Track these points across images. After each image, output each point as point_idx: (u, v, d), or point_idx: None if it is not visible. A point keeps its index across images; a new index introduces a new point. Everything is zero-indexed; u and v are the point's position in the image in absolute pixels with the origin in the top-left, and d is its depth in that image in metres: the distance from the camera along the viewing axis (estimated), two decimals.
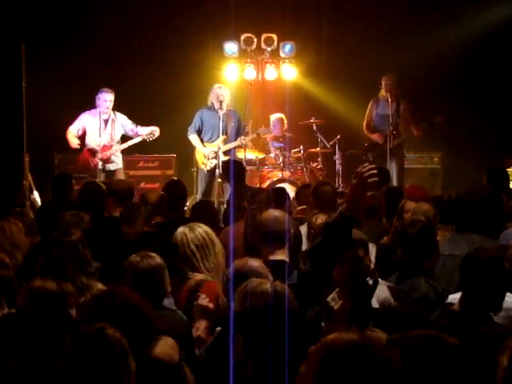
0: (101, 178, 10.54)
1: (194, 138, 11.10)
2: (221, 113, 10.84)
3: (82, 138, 10.88)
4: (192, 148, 11.27)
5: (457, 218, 5.68)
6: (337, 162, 11.88)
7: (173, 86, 12.51)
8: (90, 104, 11.14)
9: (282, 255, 5.00)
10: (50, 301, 3.76)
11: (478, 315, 4.04)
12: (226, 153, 10.93)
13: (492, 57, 12.66)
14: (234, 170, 8.64)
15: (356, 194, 4.18)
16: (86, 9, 12.56)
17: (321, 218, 5.77)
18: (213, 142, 10.99)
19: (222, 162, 10.46)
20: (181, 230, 5.20)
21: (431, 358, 2.58)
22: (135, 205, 7.01)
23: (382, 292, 4.32)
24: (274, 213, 5.28)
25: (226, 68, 12.75)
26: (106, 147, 10.86)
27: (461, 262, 4.37)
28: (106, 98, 10.82)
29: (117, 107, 11.20)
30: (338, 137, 11.88)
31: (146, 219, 6.53)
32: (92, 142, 10.86)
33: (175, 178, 11.10)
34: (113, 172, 10.90)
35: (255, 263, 4.40)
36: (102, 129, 10.84)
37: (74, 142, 10.78)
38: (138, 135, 10.95)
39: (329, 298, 4.34)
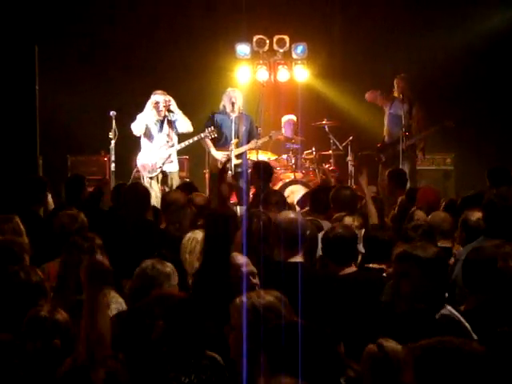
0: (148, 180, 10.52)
1: (206, 142, 11.06)
2: (233, 116, 10.83)
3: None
4: (204, 150, 11.27)
5: (486, 222, 5.38)
6: (349, 163, 11.87)
7: (185, 88, 12.50)
8: (102, 105, 11.16)
9: (299, 257, 5.01)
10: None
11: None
12: (238, 156, 10.90)
13: (504, 57, 12.63)
14: (263, 171, 8.59)
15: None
16: (99, 11, 12.61)
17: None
18: (225, 145, 10.95)
19: (235, 165, 10.48)
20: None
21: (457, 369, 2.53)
22: (181, 207, 6.98)
23: None
24: (290, 214, 5.29)
25: (238, 70, 12.76)
26: (162, 148, 10.74)
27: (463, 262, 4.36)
28: (158, 100, 10.66)
29: (127, 110, 11.19)
30: (351, 138, 11.87)
31: (192, 221, 6.55)
32: (150, 142, 10.71)
33: (188, 180, 11.11)
34: (168, 173, 10.71)
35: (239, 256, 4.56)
36: (158, 129, 10.72)
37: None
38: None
39: None
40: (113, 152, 10.80)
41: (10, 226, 6.12)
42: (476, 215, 5.60)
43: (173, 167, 10.78)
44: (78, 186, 8.21)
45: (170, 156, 10.68)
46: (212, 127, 10.80)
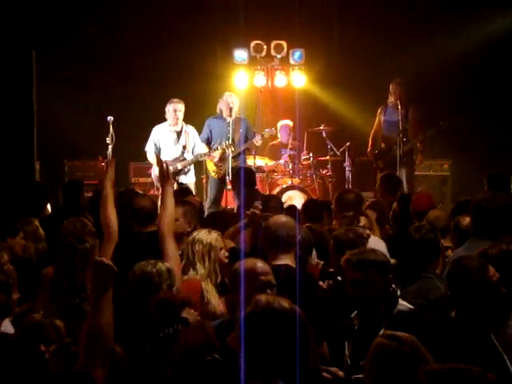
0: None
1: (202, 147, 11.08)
2: (229, 120, 10.84)
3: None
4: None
5: (474, 224, 5.59)
6: (346, 169, 11.86)
7: (183, 93, 12.48)
8: (99, 110, 11.16)
9: (287, 260, 5.00)
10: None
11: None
12: (234, 159, 10.90)
13: (501, 63, 12.64)
14: (244, 176, 8.66)
15: None
16: (96, 16, 12.60)
17: None
18: (220, 148, 10.95)
19: (232, 168, 10.47)
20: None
21: None
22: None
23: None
24: (281, 218, 5.30)
25: (235, 75, 12.77)
26: (177, 159, 10.75)
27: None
28: (177, 108, 10.75)
29: (125, 116, 11.21)
30: (348, 144, 11.87)
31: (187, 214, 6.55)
32: (165, 155, 10.72)
33: (185, 186, 11.10)
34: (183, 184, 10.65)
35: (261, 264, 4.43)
36: (175, 140, 10.77)
37: (151, 161, 10.74)
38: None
39: (353, 315, 4.38)
40: (110, 157, 10.81)
41: (30, 228, 6.16)
42: (467, 220, 5.80)
43: (188, 178, 10.82)
44: (76, 191, 8.22)
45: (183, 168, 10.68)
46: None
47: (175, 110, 10.74)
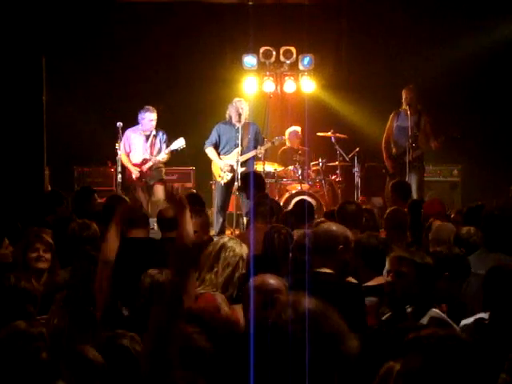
0: (139, 192, 10.67)
1: (210, 150, 11.08)
2: (238, 125, 10.83)
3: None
4: (211, 161, 11.27)
5: (486, 235, 5.49)
6: (356, 174, 11.84)
7: (192, 99, 12.55)
8: (108, 116, 11.19)
9: (328, 268, 5.00)
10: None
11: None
12: (243, 164, 10.89)
13: None
14: (253, 181, 8.65)
15: None
16: (107, 23, 12.63)
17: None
18: (229, 154, 10.96)
19: (241, 173, 10.46)
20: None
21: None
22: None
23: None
24: (329, 225, 5.32)
25: (244, 81, 12.78)
26: (145, 161, 10.96)
27: (484, 279, 4.32)
28: (152, 118, 10.95)
29: (134, 121, 11.23)
30: (357, 149, 11.84)
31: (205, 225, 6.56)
32: (136, 158, 10.98)
33: (194, 191, 11.11)
34: (152, 186, 10.97)
35: (274, 280, 4.38)
36: (144, 144, 10.99)
37: (126, 164, 10.95)
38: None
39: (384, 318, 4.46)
40: (119, 163, 10.85)
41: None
42: (465, 228, 5.78)
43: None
44: (87, 198, 8.24)
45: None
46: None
47: (151, 119, 10.95)
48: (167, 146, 11.00)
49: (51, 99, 9.52)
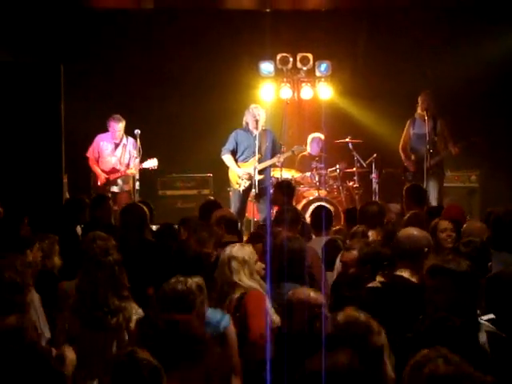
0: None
1: (227, 158, 11.09)
2: (256, 132, 10.84)
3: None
4: (228, 167, 11.28)
5: (494, 237, 5.72)
6: (373, 180, 11.81)
7: (209, 106, 12.56)
8: (127, 124, 11.24)
9: (415, 271, 5.06)
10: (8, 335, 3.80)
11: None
12: (261, 172, 10.91)
13: None
14: (286, 189, 8.71)
15: None
16: (123, 31, 12.68)
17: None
18: (247, 161, 10.99)
19: (259, 181, 10.49)
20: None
21: None
22: (207, 225, 6.98)
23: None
24: (411, 231, 5.39)
25: (262, 87, 12.80)
26: (114, 170, 11.12)
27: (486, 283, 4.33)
28: (116, 128, 11.17)
29: (151, 128, 11.29)
30: (375, 155, 11.82)
31: (218, 240, 6.59)
32: (104, 164, 11.23)
33: (211, 198, 11.13)
34: (116, 194, 11.13)
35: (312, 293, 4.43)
36: (112, 152, 11.18)
37: (94, 168, 11.26)
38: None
39: None
40: (137, 170, 10.91)
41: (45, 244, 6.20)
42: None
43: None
44: (101, 206, 8.29)
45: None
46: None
47: (116, 129, 11.15)
48: (139, 152, 11.02)
49: (69, 107, 9.56)
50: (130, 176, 11.22)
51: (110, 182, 11.19)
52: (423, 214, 7.47)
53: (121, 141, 11.17)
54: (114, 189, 11.21)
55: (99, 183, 11.19)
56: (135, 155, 11.09)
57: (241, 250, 5.37)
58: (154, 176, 11.97)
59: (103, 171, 11.20)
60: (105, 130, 11.30)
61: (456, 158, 11.49)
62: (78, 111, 11.35)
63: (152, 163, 11.11)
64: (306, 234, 7.12)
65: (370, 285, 5.14)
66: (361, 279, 5.28)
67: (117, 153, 11.20)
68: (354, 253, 5.62)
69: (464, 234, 6.10)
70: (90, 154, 11.27)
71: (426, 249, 5.09)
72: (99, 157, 11.25)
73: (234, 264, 5.26)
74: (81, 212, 8.14)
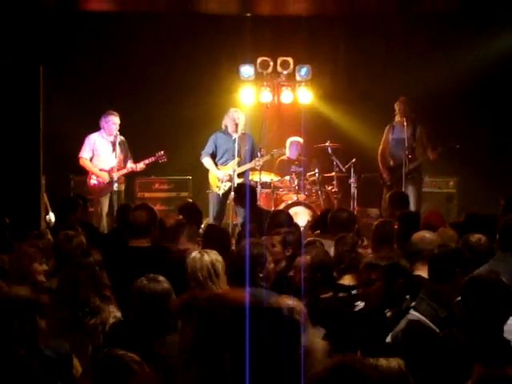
0: (112, 199, 10.71)
1: (207, 161, 11.13)
2: (235, 136, 10.87)
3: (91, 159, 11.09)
4: (207, 170, 11.29)
5: (501, 241, 5.82)
6: (352, 185, 11.85)
7: (189, 109, 12.56)
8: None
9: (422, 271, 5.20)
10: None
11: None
12: (240, 175, 10.95)
13: (509, 80, 12.64)
14: (248, 192, 8.71)
15: None
16: (104, 32, 12.67)
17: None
18: (227, 164, 11.01)
19: (236, 185, 10.50)
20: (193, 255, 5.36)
21: None
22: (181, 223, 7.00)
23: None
24: (424, 233, 5.67)
25: (241, 91, 12.79)
26: (119, 168, 10.95)
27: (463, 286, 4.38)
28: (116, 122, 10.99)
29: (132, 130, 11.26)
30: (354, 160, 11.86)
31: (191, 237, 6.57)
32: (103, 163, 11.01)
33: (190, 200, 11.13)
34: (119, 192, 11.03)
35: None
36: (111, 150, 11.01)
37: (93, 169, 10.96)
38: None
39: None
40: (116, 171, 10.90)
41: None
42: (476, 236, 5.89)
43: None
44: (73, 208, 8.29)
45: None
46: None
47: (115, 123, 10.98)
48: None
49: (48, 108, 9.52)
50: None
51: (113, 181, 10.93)
52: (392, 223, 7.52)
53: (115, 138, 11.01)
54: (121, 187, 11.08)
55: (101, 182, 10.93)
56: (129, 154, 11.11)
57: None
58: (132, 178, 11.95)
59: (102, 170, 11.01)
60: (86, 130, 11.24)
61: (434, 164, 11.56)
62: (58, 113, 11.30)
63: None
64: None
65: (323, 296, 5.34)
66: (307, 285, 5.33)
67: (116, 151, 11.01)
68: (308, 258, 5.61)
69: (412, 243, 6.03)
70: (85, 153, 11.01)
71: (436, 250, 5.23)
72: (94, 156, 11.02)
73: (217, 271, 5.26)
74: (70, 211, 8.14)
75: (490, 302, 4.06)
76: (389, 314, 4.49)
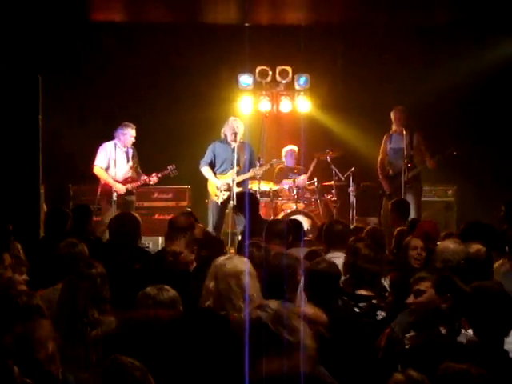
0: (115, 208, 10.67)
1: (205, 170, 11.16)
2: (234, 145, 10.90)
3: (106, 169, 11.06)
4: (206, 179, 11.30)
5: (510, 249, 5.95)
6: (351, 194, 11.85)
7: (188, 118, 12.57)
8: (104, 135, 11.21)
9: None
10: None
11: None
12: (239, 184, 10.95)
13: (507, 89, 12.67)
14: (249, 201, 8.68)
15: None
16: (103, 41, 12.69)
17: None
18: (226, 173, 11.03)
19: (237, 193, 10.49)
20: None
21: None
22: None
23: None
24: (447, 243, 5.67)
25: (240, 100, 12.81)
26: (132, 179, 11.01)
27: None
28: (133, 134, 11.05)
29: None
30: (353, 169, 11.87)
31: (190, 243, 6.56)
32: (117, 173, 11.01)
33: (189, 210, 11.12)
34: (131, 203, 11.01)
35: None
36: (126, 161, 11.06)
37: (108, 179, 10.94)
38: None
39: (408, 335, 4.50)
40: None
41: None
42: (475, 247, 5.81)
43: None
44: (85, 216, 8.28)
45: None
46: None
47: (132, 135, 11.05)
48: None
49: (47, 117, 9.52)
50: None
51: (127, 192, 11.00)
52: (380, 230, 7.56)
53: (128, 149, 11.07)
54: (131, 198, 11.13)
55: (116, 192, 10.90)
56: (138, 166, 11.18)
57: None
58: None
59: (116, 181, 10.98)
60: (85, 140, 11.24)
61: (433, 173, 11.57)
62: (57, 122, 11.32)
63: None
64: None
65: None
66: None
67: (129, 161, 11.09)
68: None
69: (436, 254, 5.99)
70: (101, 162, 10.98)
71: (463, 261, 5.30)
72: (109, 167, 11.00)
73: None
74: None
75: (493, 313, 4.06)
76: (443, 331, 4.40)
